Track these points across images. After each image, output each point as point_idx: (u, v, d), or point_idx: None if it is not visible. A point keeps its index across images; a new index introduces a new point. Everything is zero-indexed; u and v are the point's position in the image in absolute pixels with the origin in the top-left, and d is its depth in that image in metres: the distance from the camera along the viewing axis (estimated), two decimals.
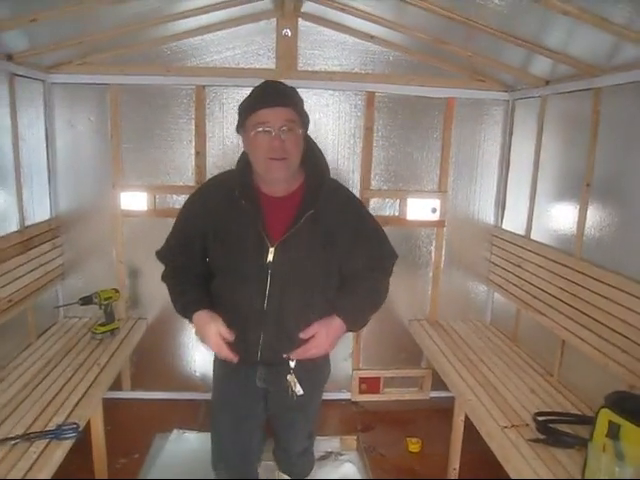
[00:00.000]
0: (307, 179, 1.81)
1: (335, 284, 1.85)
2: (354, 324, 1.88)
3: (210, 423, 2.15)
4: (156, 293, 3.14)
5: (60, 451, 1.94)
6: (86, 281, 3.18)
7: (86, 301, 2.90)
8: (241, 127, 1.76)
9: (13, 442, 1.94)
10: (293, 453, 2.24)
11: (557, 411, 2.28)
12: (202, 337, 1.79)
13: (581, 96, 2.53)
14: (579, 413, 2.28)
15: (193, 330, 1.88)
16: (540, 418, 2.18)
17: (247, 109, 1.70)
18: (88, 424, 2.32)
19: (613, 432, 1.70)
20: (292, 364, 1.84)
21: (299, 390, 1.85)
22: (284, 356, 1.82)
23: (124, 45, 2.90)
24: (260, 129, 1.66)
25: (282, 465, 2.34)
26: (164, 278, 1.94)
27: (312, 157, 1.83)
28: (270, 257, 1.72)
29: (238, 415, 2.02)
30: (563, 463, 1.92)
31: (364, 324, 1.98)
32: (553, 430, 2.10)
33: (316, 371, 1.99)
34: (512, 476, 1.94)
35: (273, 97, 1.69)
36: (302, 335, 1.77)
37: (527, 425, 2.19)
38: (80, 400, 2.29)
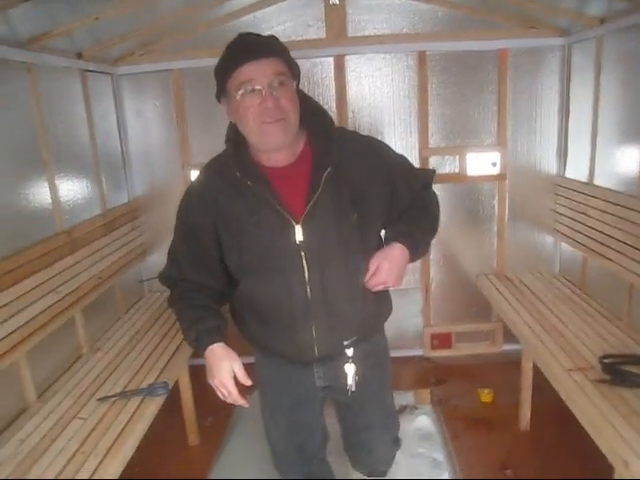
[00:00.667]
0: (312, 137, 1.52)
1: (378, 243, 1.61)
2: (416, 249, 1.58)
3: (264, 427, 1.89)
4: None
5: (153, 406, 2.17)
6: (166, 258, 3.41)
7: None
8: (221, 94, 1.46)
9: (113, 399, 2.19)
10: (377, 463, 1.99)
11: (624, 353, 2.29)
12: (210, 375, 1.51)
13: (638, 32, 2.45)
14: None
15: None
16: (606, 360, 2.20)
17: (226, 69, 1.40)
18: (177, 386, 2.56)
19: None
20: (349, 352, 1.61)
21: (353, 384, 1.63)
22: (344, 343, 1.59)
23: (181, 31, 3.06)
24: (246, 88, 1.37)
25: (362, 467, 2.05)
26: (172, 303, 1.66)
27: (311, 110, 1.53)
28: (299, 236, 1.46)
29: (292, 426, 1.82)
30: (629, 401, 1.95)
31: (426, 249, 1.70)
32: (619, 371, 2.12)
33: (378, 354, 1.79)
34: (577, 415, 1.99)
35: (255, 48, 1.38)
36: (366, 278, 1.53)
37: (593, 367, 2.21)
38: (168, 363, 2.52)
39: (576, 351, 2.38)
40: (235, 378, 1.50)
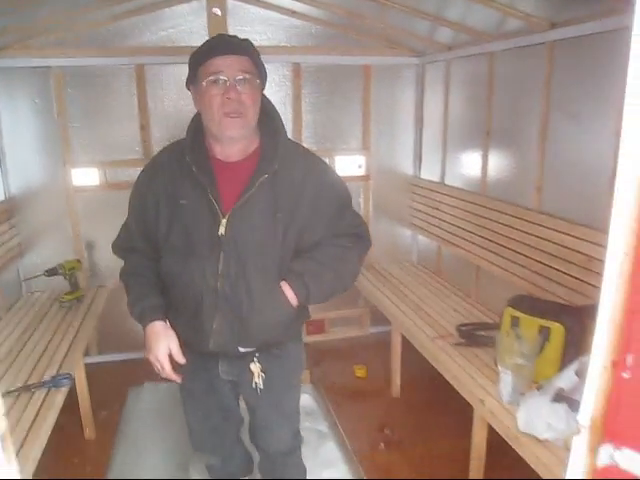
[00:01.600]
0: (263, 142, 1.61)
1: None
2: (306, 294, 1.59)
3: (183, 407, 1.97)
4: (113, 263, 3.32)
5: (60, 396, 2.20)
6: (44, 257, 3.36)
7: (51, 272, 3.10)
8: (191, 82, 1.57)
9: (16, 393, 2.20)
10: (273, 453, 1.97)
11: (474, 322, 2.78)
12: (148, 350, 1.61)
13: (478, 59, 2.98)
14: (492, 321, 2.78)
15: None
16: (462, 328, 2.66)
17: (198, 58, 1.52)
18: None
19: (514, 323, 2.20)
20: (257, 353, 1.68)
21: (260, 383, 1.71)
22: (239, 349, 1.65)
23: (63, 28, 3.05)
24: (213, 78, 1.48)
25: (264, 472, 2.08)
26: (122, 275, 1.75)
27: (268, 117, 1.63)
28: (222, 229, 1.53)
29: (206, 408, 1.89)
30: (481, 357, 2.41)
31: (323, 297, 1.65)
32: (472, 335, 2.59)
33: (288, 360, 1.80)
34: (442, 372, 2.41)
35: (229, 45, 1.51)
36: None
37: (451, 335, 2.66)
38: (64, 358, 2.53)
39: (437, 323, 2.83)
40: (171, 356, 1.62)
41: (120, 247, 1.78)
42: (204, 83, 1.49)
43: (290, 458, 2.01)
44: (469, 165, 3.19)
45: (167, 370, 1.61)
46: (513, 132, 2.77)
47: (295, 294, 1.59)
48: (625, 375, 1.00)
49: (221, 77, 1.48)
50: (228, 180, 1.57)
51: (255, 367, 1.69)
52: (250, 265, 1.56)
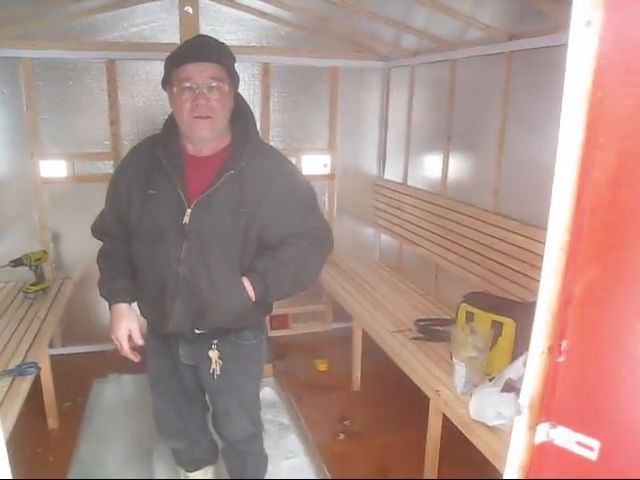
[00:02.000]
0: (234, 139, 1.71)
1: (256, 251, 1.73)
2: (265, 291, 1.69)
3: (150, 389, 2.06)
4: (79, 254, 3.39)
5: (25, 384, 2.22)
6: (10, 248, 3.33)
7: (17, 263, 3.09)
8: (167, 82, 1.67)
9: None
10: (233, 440, 2.04)
11: (433, 317, 2.90)
12: (111, 329, 1.75)
13: (442, 66, 3.11)
14: (449, 317, 2.91)
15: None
16: (420, 323, 2.78)
17: (172, 63, 1.62)
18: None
19: (469, 318, 2.32)
20: (214, 340, 1.77)
21: (217, 370, 1.80)
22: (195, 331, 1.74)
23: (35, 20, 3.06)
24: (184, 85, 1.58)
25: (226, 459, 2.16)
26: (98, 258, 1.86)
27: (240, 117, 1.72)
28: (186, 218, 1.63)
29: (171, 391, 1.98)
30: (437, 350, 2.53)
31: (282, 294, 1.79)
32: (430, 330, 2.71)
33: (246, 348, 1.87)
34: (400, 365, 2.52)
35: (199, 52, 1.59)
36: None
37: (410, 329, 2.78)
38: (29, 348, 2.56)
39: (397, 318, 2.94)
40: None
41: (97, 230, 1.91)
42: (175, 89, 1.61)
43: (250, 446, 2.08)
44: (431, 167, 3.32)
45: (125, 349, 1.75)
46: (473, 136, 2.91)
47: (254, 290, 1.69)
48: (560, 359, 1.12)
49: (191, 84, 1.58)
50: (197, 174, 1.67)
51: (213, 354, 1.78)
52: (211, 254, 1.66)
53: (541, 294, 1.07)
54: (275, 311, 3.83)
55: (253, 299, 1.69)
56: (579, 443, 1.11)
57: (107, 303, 1.79)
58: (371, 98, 3.82)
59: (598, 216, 0.94)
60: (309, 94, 3.71)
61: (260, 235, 1.70)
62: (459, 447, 2.12)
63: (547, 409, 1.15)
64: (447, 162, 3.11)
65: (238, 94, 1.73)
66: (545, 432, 1.15)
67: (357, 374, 3.27)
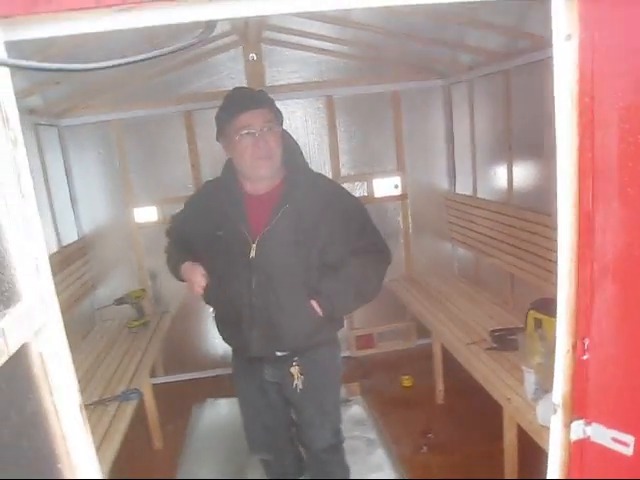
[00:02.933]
0: (287, 175, 1.88)
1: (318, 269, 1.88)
2: (332, 309, 1.86)
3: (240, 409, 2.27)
4: (175, 290, 3.70)
5: (130, 409, 2.51)
6: (113, 289, 3.73)
7: (120, 301, 3.46)
8: (222, 134, 1.85)
9: (92, 406, 2.52)
10: (316, 449, 2.16)
11: (507, 327, 2.90)
12: (187, 280, 1.96)
13: (497, 76, 3.14)
14: (523, 326, 2.89)
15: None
16: (495, 333, 2.79)
17: (227, 116, 1.80)
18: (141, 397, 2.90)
19: (538, 325, 2.33)
20: (295, 357, 1.93)
21: (299, 384, 1.95)
22: (277, 353, 1.92)
23: (118, 86, 3.44)
24: (244, 132, 1.76)
25: (310, 469, 2.29)
26: (166, 249, 2.17)
27: (290, 153, 1.89)
28: (253, 253, 1.82)
29: (259, 408, 2.13)
30: (510, 359, 2.54)
31: (348, 310, 2.05)
32: (503, 339, 2.72)
33: (324, 362, 2.02)
34: (475, 375, 2.55)
35: (250, 101, 1.80)
36: None
37: (485, 340, 2.79)
38: (133, 377, 2.85)
39: (473, 330, 2.96)
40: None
41: (168, 233, 2.23)
42: (237, 137, 1.79)
43: (331, 455, 2.20)
44: (496, 177, 3.34)
45: (201, 284, 1.89)
46: (533, 143, 2.90)
47: (322, 310, 1.86)
48: (585, 357, 1.18)
49: (251, 130, 1.77)
50: (256, 210, 1.86)
51: (294, 370, 1.94)
52: (278, 282, 1.84)
53: (560, 294, 1.14)
54: (360, 331, 4.04)
55: (321, 319, 1.86)
56: (614, 439, 1.15)
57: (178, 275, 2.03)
58: (435, 117, 3.90)
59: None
60: (373, 120, 3.85)
61: (321, 258, 1.86)
62: (539, 455, 2.12)
63: (580, 407, 1.20)
64: (511, 171, 3.11)
65: (284, 130, 1.92)
66: (580, 429, 1.20)
67: (440, 388, 3.31)
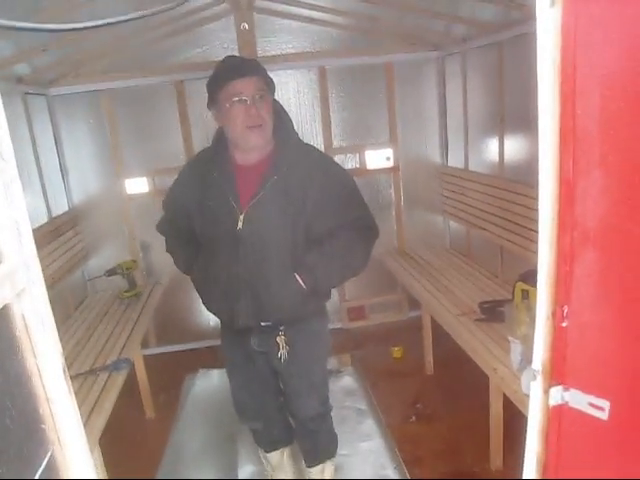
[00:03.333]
0: (276, 146, 1.85)
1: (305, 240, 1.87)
2: (315, 283, 1.86)
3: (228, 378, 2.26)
4: (168, 261, 3.69)
5: (120, 378, 2.52)
6: (105, 260, 3.73)
7: (111, 272, 3.47)
8: (213, 103, 1.82)
9: (84, 376, 2.54)
10: (303, 418, 2.18)
11: (496, 299, 2.93)
12: None
13: (490, 49, 3.12)
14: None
15: None
16: (484, 305, 2.82)
17: (219, 83, 1.77)
18: (132, 366, 2.93)
19: (525, 296, 2.36)
20: (281, 326, 1.93)
21: (284, 354, 1.95)
22: (262, 323, 1.90)
23: (109, 55, 3.40)
24: (235, 99, 1.74)
25: (299, 438, 2.32)
26: (168, 250, 2.16)
27: (281, 124, 1.87)
28: (240, 223, 1.80)
29: (247, 377, 2.14)
30: (498, 330, 2.57)
31: (331, 284, 1.99)
32: (492, 311, 2.75)
33: (311, 333, 2.03)
34: (463, 346, 2.59)
35: (242, 68, 1.77)
36: None
37: (474, 311, 2.83)
38: (123, 347, 2.86)
39: (462, 302, 2.99)
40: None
41: (161, 229, 2.18)
42: (228, 105, 1.76)
43: (319, 424, 2.22)
44: (488, 150, 3.34)
45: None
46: (525, 116, 2.89)
47: (305, 284, 1.85)
48: (564, 324, 1.19)
49: (243, 97, 1.74)
50: (246, 181, 1.84)
51: (280, 340, 1.95)
52: (264, 254, 1.84)
53: (540, 262, 1.15)
54: (352, 303, 4.07)
55: (305, 291, 1.86)
56: (591, 404, 1.17)
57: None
58: (428, 89, 3.88)
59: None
60: (367, 91, 3.82)
61: (308, 230, 1.84)
62: (525, 424, 2.15)
63: (559, 373, 1.22)
64: (502, 144, 3.11)
65: (275, 100, 1.89)
66: (559, 395, 1.22)
67: (429, 359, 3.35)
